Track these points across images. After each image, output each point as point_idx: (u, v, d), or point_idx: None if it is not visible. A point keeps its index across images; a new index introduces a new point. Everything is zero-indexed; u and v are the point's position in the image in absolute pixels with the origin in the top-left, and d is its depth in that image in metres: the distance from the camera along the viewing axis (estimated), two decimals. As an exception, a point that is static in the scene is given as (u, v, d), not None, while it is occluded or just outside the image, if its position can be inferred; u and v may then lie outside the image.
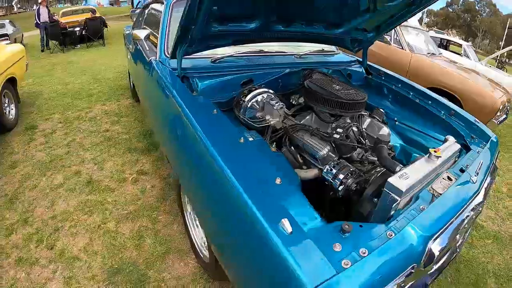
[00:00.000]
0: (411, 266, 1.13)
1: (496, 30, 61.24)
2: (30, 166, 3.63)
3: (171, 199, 2.98)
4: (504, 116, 5.07)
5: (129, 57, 4.15)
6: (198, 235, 2.26)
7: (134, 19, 14.59)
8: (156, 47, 2.68)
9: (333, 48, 3.23)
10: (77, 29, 11.79)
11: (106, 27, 12.72)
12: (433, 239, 1.20)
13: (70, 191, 3.17)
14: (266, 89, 2.15)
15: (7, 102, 4.50)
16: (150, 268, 2.30)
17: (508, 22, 52.97)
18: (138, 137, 4.20)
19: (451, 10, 71.43)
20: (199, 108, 1.80)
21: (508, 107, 5.27)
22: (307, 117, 2.22)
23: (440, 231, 1.24)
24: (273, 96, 2.13)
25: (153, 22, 3.45)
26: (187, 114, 1.71)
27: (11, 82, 4.66)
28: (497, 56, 17.69)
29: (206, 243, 2.07)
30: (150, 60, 2.58)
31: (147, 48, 2.85)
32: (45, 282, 2.23)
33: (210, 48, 2.20)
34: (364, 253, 1.02)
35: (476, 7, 70.82)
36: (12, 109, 4.65)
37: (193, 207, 1.66)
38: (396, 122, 2.40)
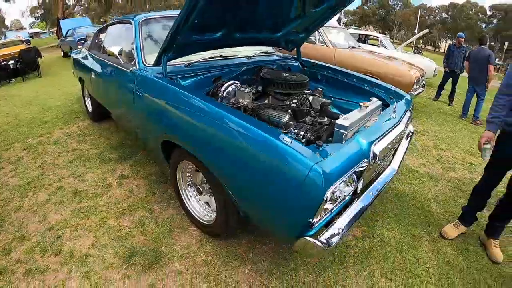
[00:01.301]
0: (363, 160, 1.81)
1: (411, 20, 67.47)
2: (7, 191, 3.67)
3: (159, 191, 3.35)
4: (421, 89, 6.34)
5: (92, 76, 4.38)
6: (196, 206, 2.75)
7: (63, 47, 14.35)
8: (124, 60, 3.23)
9: (271, 49, 3.89)
10: (11, 62, 11.40)
11: (41, 57, 12.41)
12: (374, 144, 1.93)
13: (59, 204, 3.31)
14: (233, 81, 2.76)
15: None
16: (161, 245, 2.64)
17: (418, 12, 57.96)
18: (109, 150, 4.40)
19: (366, 8, 76.23)
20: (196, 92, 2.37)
21: (423, 82, 6.46)
22: (265, 101, 2.86)
23: (377, 139, 2.00)
24: (240, 85, 2.75)
25: (115, 40, 3.92)
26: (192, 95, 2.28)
27: None
28: (413, 43, 19.84)
29: (208, 210, 2.65)
30: (132, 70, 3.01)
31: (122, 62, 3.25)
32: (63, 283, 2.38)
33: (187, 54, 2.76)
34: (333, 153, 1.70)
35: (390, 2, 76.95)
36: None
37: (213, 169, 2.16)
38: (332, 98, 3.11)
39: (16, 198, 3.53)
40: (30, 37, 21.53)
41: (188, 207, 2.79)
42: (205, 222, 2.65)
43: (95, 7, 40.49)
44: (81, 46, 10.75)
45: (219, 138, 2.02)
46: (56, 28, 29.55)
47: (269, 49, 3.88)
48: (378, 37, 11.93)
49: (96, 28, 17.27)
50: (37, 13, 47.37)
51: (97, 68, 4.24)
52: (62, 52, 18.64)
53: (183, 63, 2.91)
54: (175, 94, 2.40)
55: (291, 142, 1.69)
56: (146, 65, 2.93)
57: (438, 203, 3.38)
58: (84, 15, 34.88)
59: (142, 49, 3.06)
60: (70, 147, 4.66)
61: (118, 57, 3.25)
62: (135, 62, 3.05)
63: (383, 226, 2.93)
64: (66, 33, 18.36)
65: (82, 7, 35.04)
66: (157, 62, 2.69)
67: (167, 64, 2.66)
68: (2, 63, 11.46)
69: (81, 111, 6.41)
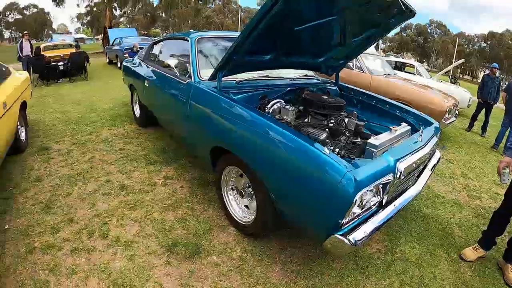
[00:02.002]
0: (389, 174, 2.11)
1: (448, 49, 66.20)
2: (57, 179, 4.01)
3: (201, 193, 3.65)
4: (454, 119, 6.48)
5: (145, 84, 4.75)
6: (236, 208, 3.08)
7: (109, 54, 14.96)
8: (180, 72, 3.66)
9: (311, 73, 4.23)
10: (61, 63, 12.02)
11: (89, 62, 13.08)
12: (399, 161, 2.22)
13: (107, 195, 3.64)
14: (278, 100, 3.11)
15: (18, 125, 4.82)
16: (201, 240, 2.91)
17: (457, 41, 57.06)
18: (155, 153, 4.74)
19: (405, 35, 75.67)
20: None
21: (456, 111, 6.59)
22: (306, 119, 3.19)
23: (403, 158, 2.28)
24: (284, 104, 3.10)
25: (169, 53, 4.36)
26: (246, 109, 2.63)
27: (22, 106, 5.10)
28: (450, 72, 19.72)
29: (246, 212, 2.97)
30: (188, 82, 3.40)
31: (178, 74, 3.67)
32: (108, 262, 2.64)
33: (239, 73, 3.15)
34: (363, 165, 2.01)
35: (428, 30, 76.01)
36: (22, 132, 5.05)
37: (258, 173, 2.48)
38: (365, 121, 3.40)
39: (66, 185, 3.87)
40: (75, 41, 22.53)
41: (228, 208, 3.11)
42: (243, 223, 2.95)
43: (141, 19, 42.21)
44: (127, 55, 11.35)
45: (267, 146, 2.34)
46: (102, 36, 30.98)
47: (309, 72, 4.21)
48: (414, 65, 12.06)
49: (142, 39, 18.01)
50: (84, 19, 49.53)
51: (151, 77, 4.64)
52: (107, 59, 19.45)
53: (234, 80, 3.27)
54: (230, 106, 2.76)
55: (329, 153, 2.00)
56: (201, 79, 3.32)
57: (460, 228, 3.53)
58: (128, 26, 36.30)
59: (198, 64, 3.45)
60: (118, 147, 5.02)
61: (174, 69, 3.65)
62: (190, 75, 3.43)
63: (405, 243, 3.13)
64: (113, 41, 19.18)
65: (127, 18, 36.53)
66: (213, 78, 3.06)
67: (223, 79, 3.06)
68: (52, 63, 12.09)
69: (127, 115, 6.84)
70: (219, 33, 4.21)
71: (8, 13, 69.85)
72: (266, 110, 3.05)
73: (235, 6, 70.65)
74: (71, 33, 66.59)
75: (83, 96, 9.31)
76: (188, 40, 3.74)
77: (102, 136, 5.57)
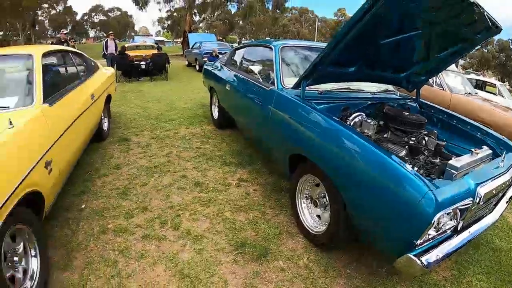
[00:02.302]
0: (468, 198, 2.05)
1: None
2: (135, 169, 4.29)
3: (274, 199, 3.68)
4: None
5: (226, 88, 4.94)
6: (308, 217, 3.10)
7: (188, 57, 15.69)
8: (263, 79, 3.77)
9: (392, 88, 4.14)
10: (143, 63, 12.86)
11: (169, 63, 13.79)
12: (480, 186, 2.14)
13: (181, 189, 3.80)
14: (360, 113, 3.11)
15: (102, 116, 5.31)
16: (269, 243, 2.94)
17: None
18: (230, 155, 4.87)
19: (486, 51, 71.18)
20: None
21: None
22: (385, 135, 3.14)
23: (484, 182, 2.19)
24: (366, 117, 3.09)
25: (252, 59, 4.53)
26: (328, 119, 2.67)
27: (107, 99, 5.59)
28: None
29: (318, 222, 2.98)
30: (271, 89, 3.52)
31: (261, 80, 3.79)
32: (177, 252, 2.76)
33: (322, 83, 3.20)
34: (443, 186, 1.95)
35: (511, 46, 70.73)
36: (105, 122, 5.54)
37: (337, 183, 2.51)
38: (445, 141, 3.28)
39: (143, 176, 4.12)
40: (155, 43, 23.80)
41: (300, 216, 3.14)
42: (314, 232, 2.96)
43: (219, 25, 43.51)
44: (206, 59, 11.80)
45: (349, 157, 2.35)
46: (182, 39, 32.38)
47: (390, 87, 4.13)
48: (495, 84, 11.38)
49: (220, 44, 18.62)
50: (165, 23, 52.20)
51: (233, 81, 4.83)
52: (186, 62, 20.47)
53: (317, 90, 3.32)
54: (312, 115, 2.81)
55: (411, 170, 1.98)
56: (284, 86, 3.41)
57: (534, 265, 3.26)
58: (206, 31, 37.61)
59: (281, 72, 3.54)
60: (195, 145, 5.24)
61: (258, 75, 3.78)
62: (273, 82, 3.54)
63: (473, 274, 2.94)
64: (193, 45, 20.15)
65: (206, 23, 37.88)
66: (296, 86, 3.13)
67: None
68: (135, 62, 13.01)
69: (205, 116, 7.08)
70: (301, 42, 4.32)
71: (94, 14, 76.89)
72: (348, 122, 3.05)
73: (311, 16, 70.66)
74: (152, 35, 70.42)
75: (163, 94, 9.83)
76: (271, 48, 3.87)
77: (180, 134, 5.84)
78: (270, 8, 38.15)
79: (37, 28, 51.46)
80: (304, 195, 3.15)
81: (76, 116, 3.63)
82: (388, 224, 2.12)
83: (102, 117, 5.27)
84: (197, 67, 16.98)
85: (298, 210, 3.17)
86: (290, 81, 3.45)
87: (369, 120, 3.07)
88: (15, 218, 2.17)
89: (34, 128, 2.72)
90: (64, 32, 10.46)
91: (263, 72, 3.88)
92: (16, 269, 2.28)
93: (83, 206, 3.45)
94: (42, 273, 2.44)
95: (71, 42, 14.15)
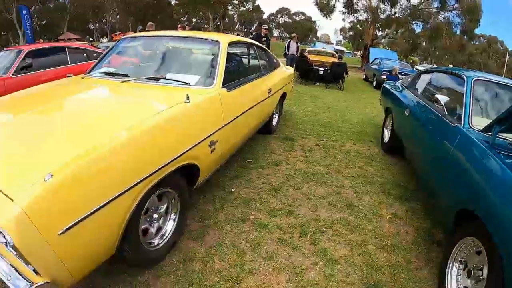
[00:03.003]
0: None
1: None
2: (293, 170, 4.37)
3: (424, 249, 3.16)
4: None
5: (404, 113, 4.55)
6: (453, 284, 2.53)
7: (366, 71, 15.62)
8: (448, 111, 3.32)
9: None
10: (321, 68, 13.18)
11: (347, 74, 13.78)
12: None
13: (332, 205, 3.65)
14: None
15: (274, 111, 5.57)
16: None
17: None
18: (392, 185, 4.41)
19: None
20: None
21: None
22: None
23: None
24: None
25: (438, 87, 4.09)
26: None
27: (282, 96, 5.87)
28: None
29: None
30: (456, 126, 3.06)
31: (446, 113, 3.36)
32: (305, 268, 2.64)
33: None
34: None
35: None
36: (275, 118, 5.82)
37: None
38: None
39: (298, 179, 4.16)
40: (335, 52, 24.16)
41: (446, 281, 2.61)
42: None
43: (401, 43, 41.58)
44: (385, 77, 11.40)
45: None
46: (362, 52, 32.17)
47: None
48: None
49: (401, 64, 17.90)
50: (347, 33, 52.66)
51: (413, 107, 4.44)
52: (364, 76, 20.24)
53: (508, 140, 2.73)
54: (499, 169, 2.30)
55: None
56: (471, 126, 2.93)
57: None
58: (388, 47, 36.51)
59: (471, 109, 3.07)
60: (357, 164, 5.01)
61: (443, 106, 3.36)
62: (459, 118, 3.08)
63: None
64: (373, 60, 19.79)
65: (388, 40, 36.68)
66: (487, 130, 2.66)
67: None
68: (314, 66, 13.47)
69: (374, 136, 6.71)
70: (498, 78, 3.66)
71: (280, 15, 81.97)
72: None
73: (501, 48, 62.92)
74: (332, 43, 71.76)
75: (335, 104, 9.86)
76: (463, 79, 3.42)
77: (345, 148, 5.73)
78: (458, 32, 34.65)
79: (226, 21, 57.68)
80: (459, 259, 2.60)
81: (250, 106, 3.88)
82: None
83: (274, 112, 5.59)
84: (374, 83, 16.60)
85: (446, 272, 2.64)
86: (479, 122, 2.97)
87: None
88: (168, 181, 2.44)
89: (208, 108, 3.00)
90: (265, 27, 11.05)
91: (450, 104, 3.41)
92: (152, 225, 2.57)
93: (232, 190, 3.70)
94: (173, 236, 2.72)
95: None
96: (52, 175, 1.60)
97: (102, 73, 3.68)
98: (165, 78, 3.27)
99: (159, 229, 2.62)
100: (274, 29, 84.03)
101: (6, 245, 1.57)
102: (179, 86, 3.15)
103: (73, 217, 1.67)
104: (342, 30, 57.60)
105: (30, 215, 1.50)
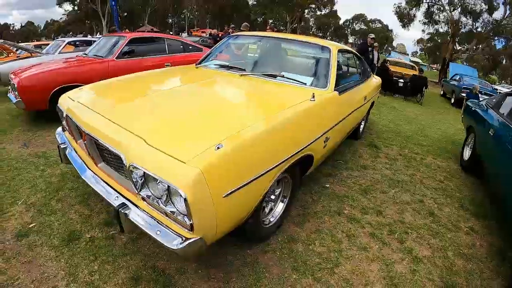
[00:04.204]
0: None
1: None
2: (379, 175, 4.79)
3: (496, 262, 3.35)
4: None
5: (489, 133, 4.57)
6: None
7: (445, 87, 14.94)
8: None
9: None
10: (401, 80, 13.11)
11: (427, 88, 13.63)
12: None
13: (416, 212, 3.97)
14: None
15: (363, 118, 5.84)
16: None
17: None
18: (470, 201, 4.56)
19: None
20: None
21: None
22: None
23: None
24: None
25: None
26: None
27: (371, 105, 6.16)
28: None
29: None
30: None
31: None
32: (394, 261, 3.01)
33: None
34: None
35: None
36: (362, 124, 6.16)
37: None
38: None
39: (385, 184, 4.57)
40: (412, 63, 23.42)
41: None
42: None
43: (480, 59, 39.17)
44: (464, 95, 11.14)
45: None
46: (440, 66, 30.81)
47: None
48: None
49: (481, 82, 17.04)
50: (424, 45, 50.45)
51: (498, 129, 4.45)
52: (441, 91, 19.50)
53: None
54: None
55: None
56: None
57: None
58: (466, 63, 34.65)
59: None
60: (438, 177, 5.24)
61: None
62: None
63: None
64: (452, 76, 19.07)
65: (468, 55, 34.62)
66: None
67: None
68: (394, 78, 13.34)
69: (453, 153, 6.75)
70: None
71: (356, 22, 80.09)
72: None
73: None
74: (407, 54, 68.81)
75: (414, 117, 9.95)
76: None
77: (426, 161, 5.95)
78: (543, 51, 32.20)
79: (302, 24, 57.19)
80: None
81: (352, 110, 4.27)
82: None
83: (362, 119, 5.89)
84: (452, 100, 16.08)
85: None
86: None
87: None
88: (289, 168, 2.73)
89: (326, 108, 3.40)
90: (371, 37, 10.98)
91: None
92: (267, 205, 2.99)
93: (327, 185, 4.15)
94: (281, 217, 3.14)
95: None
96: (222, 145, 1.89)
97: (216, 65, 4.19)
98: (282, 76, 3.61)
99: (271, 210, 3.08)
100: (350, 35, 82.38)
101: (159, 202, 1.91)
102: (296, 85, 3.53)
103: (236, 183, 1.97)
104: (419, 41, 55.28)
105: (207, 177, 1.73)
